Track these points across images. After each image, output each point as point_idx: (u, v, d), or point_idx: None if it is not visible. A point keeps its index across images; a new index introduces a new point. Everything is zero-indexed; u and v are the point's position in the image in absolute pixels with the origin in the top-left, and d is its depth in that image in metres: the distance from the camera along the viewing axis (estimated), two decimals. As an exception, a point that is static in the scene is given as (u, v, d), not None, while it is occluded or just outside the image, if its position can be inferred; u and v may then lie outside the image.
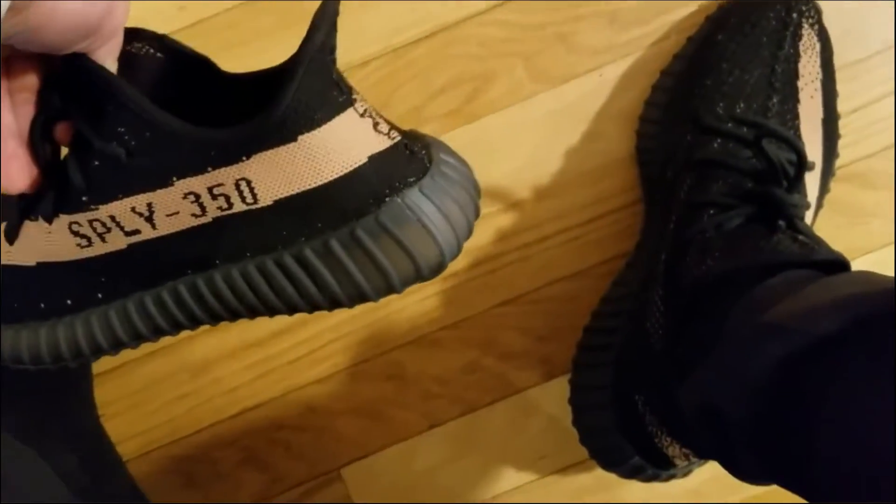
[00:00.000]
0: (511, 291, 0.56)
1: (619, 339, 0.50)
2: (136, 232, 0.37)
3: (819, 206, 0.51)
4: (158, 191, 0.35)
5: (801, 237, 0.42)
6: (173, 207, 0.36)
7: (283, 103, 0.33)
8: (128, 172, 0.35)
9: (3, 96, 0.33)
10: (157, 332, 0.41)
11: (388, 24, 0.54)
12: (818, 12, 0.50)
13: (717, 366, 0.38)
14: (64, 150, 0.36)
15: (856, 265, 0.51)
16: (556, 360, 0.56)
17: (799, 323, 0.34)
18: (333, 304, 0.38)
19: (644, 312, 0.47)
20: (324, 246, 0.37)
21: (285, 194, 0.35)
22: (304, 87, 0.33)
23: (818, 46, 0.51)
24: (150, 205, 0.36)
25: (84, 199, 0.36)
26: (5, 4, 0.26)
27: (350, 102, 0.35)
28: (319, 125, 0.34)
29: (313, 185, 0.35)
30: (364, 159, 0.35)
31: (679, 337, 0.43)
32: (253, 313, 0.39)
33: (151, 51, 0.36)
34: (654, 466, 0.49)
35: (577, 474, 0.58)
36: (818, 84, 0.50)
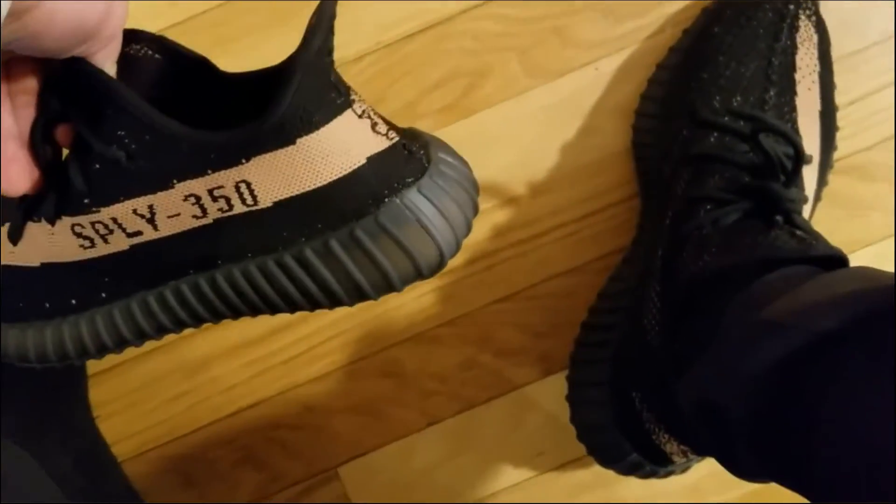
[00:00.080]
0: (508, 288, 0.56)
1: (617, 335, 0.49)
2: (138, 233, 0.37)
3: (817, 198, 0.50)
4: (159, 193, 0.36)
5: (798, 232, 0.42)
6: (174, 209, 0.36)
7: (281, 107, 0.33)
8: (128, 175, 0.35)
9: (4, 99, 0.33)
10: (161, 331, 0.41)
11: (381, 18, 0.54)
12: (815, 3, 0.50)
13: (714, 363, 0.38)
14: (65, 152, 0.36)
15: (855, 258, 0.51)
16: (554, 356, 0.56)
17: (798, 320, 0.33)
18: (334, 302, 0.39)
19: (641, 309, 0.46)
20: (324, 246, 0.37)
21: (285, 196, 0.35)
22: (302, 91, 0.33)
23: (815, 38, 0.50)
24: (151, 207, 0.36)
25: (86, 201, 0.36)
26: (5, 5, 0.26)
27: (348, 104, 0.35)
28: (318, 128, 0.34)
29: (313, 187, 0.35)
30: (363, 160, 0.35)
31: (676, 333, 0.43)
32: (255, 311, 0.40)
33: (150, 52, 0.36)
34: (652, 463, 0.48)
35: (575, 471, 0.58)
36: (815, 76, 0.50)
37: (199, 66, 0.38)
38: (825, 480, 0.31)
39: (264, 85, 0.36)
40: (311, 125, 0.34)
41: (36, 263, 0.40)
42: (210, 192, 0.35)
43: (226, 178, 0.35)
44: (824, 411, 0.31)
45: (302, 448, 0.58)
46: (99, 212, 0.36)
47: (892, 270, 0.52)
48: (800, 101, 0.49)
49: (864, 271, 0.37)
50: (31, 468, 0.47)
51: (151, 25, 0.50)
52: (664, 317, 0.44)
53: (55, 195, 0.36)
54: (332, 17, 0.34)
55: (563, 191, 0.55)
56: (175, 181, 0.35)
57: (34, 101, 0.34)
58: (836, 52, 0.52)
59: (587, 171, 0.55)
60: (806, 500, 0.33)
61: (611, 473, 0.51)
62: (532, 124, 0.54)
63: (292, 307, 0.39)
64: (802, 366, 0.32)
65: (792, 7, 0.49)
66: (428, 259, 0.38)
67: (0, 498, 0.45)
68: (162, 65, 0.37)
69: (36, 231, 0.38)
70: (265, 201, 0.36)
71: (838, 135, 0.52)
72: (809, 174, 0.48)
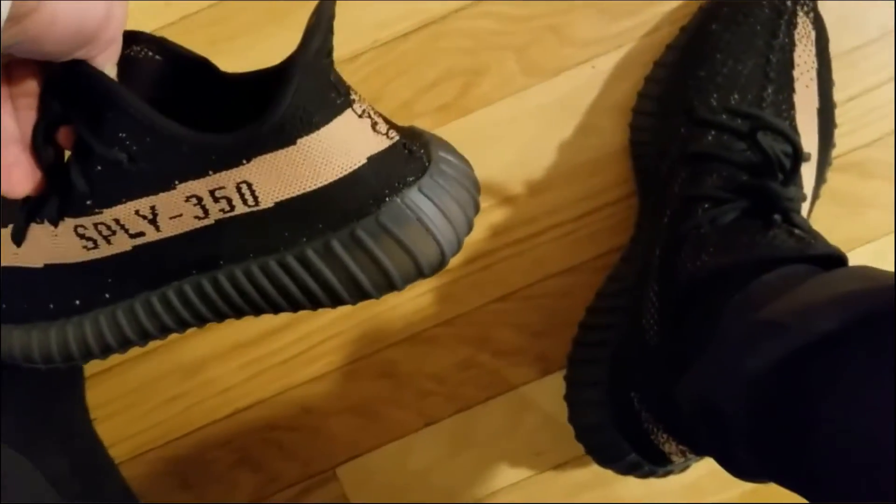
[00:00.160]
0: (505, 287, 0.56)
1: (615, 335, 0.49)
2: (141, 234, 0.38)
3: (816, 196, 0.50)
4: (161, 194, 0.36)
5: (797, 231, 0.41)
6: (176, 210, 0.36)
7: (281, 108, 0.33)
8: (130, 177, 0.35)
9: (5, 102, 0.33)
10: (164, 331, 0.42)
11: (376, 17, 0.54)
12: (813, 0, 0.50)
13: (713, 363, 0.38)
14: (66, 154, 0.37)
15: (854, 255, 0.51)
16: (552, 356, 0.56)
17: (797, 320, 0.33)
18: (336, 301, 0.39)
19: (639, 308, 0.46)
20: (325, 247, 0.37)
21: (286, 196, 0.36)
22: (302, 91, 0.33)
23: (813, 35, 0.50)
24: (153, 208, 0.36)
25: (88, 202, 0.37)
26: (5, 6, 0.26)
27: (348, 104, 0.35)
28: (318, 128, 0.34)
29: (313, 188, 0.35)
30: (363, 160, 0.36)
31: (674, 333, 0.43)
32: (257, 311, 0.40)
33: (150, 53, 0.37)
34: (651, 463, 0.48)
35: (573, 470, 0.58)
36: (814, 73, 0.50)
37: (198, 67, 0.38)
38: (825, 480, 0.31)
39: (264, 85, 0.37)
40: (311, 125, 0.34)
41: (39, 264, 0.40)
42: (211, 192, 0.36)
43: (227, 179, 0.35)
44: (824, 411, 0.31)
45: (299, 449, 0.57)
46: (101, 213, 0.37)
47: (892, 268, 0.52)
48: (798, 99, 0.49)
49: (864, 271, 0.36)
50: (28, 471, 0.47)
51: (146, 26, 0.50)
52: (662, 316, 0.44)
53: (58, 197, 0.37)
54: (331, 17, 0.34)
55: (560, 190, 0.55)
56: (176, 182, 0.35)
57: (35, 103, 0.34)
58: (834, 49, 0.51)
59: (585, 170, 0.54)
60: (804, 500, 0.33)
61: (609, 473, 0.51)
62: (529, 123, 0.54)
63: (294, 306, 0.40)
64: (802, 366, 0.32)
65: (790, 3, 0.49)
66: (429, 258, 0.38)
67: (-3, 501, 0.45)
68: (162, 66, 0.37)
69: (39, 232, 0.39)
70: (266, 202, 0.36)
71: (837, 132, 0.52)
72: (808, 172, 0.48)
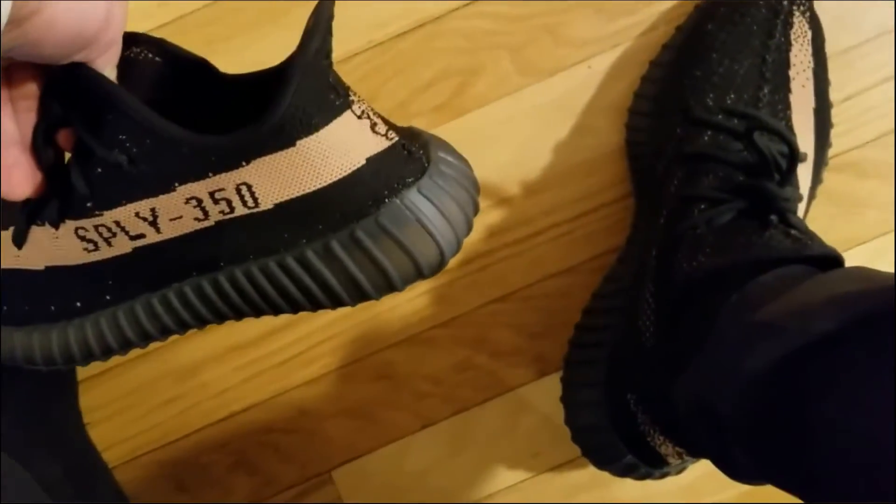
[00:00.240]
0: (502, 288, 0.56)
1: (611, 336, 0.49)
2: (141, 236, 0.38)
3: (812, 196, 0.50)
4: (161, 196, 0.36)
5: (793, 232, 0.41)
6: (176, 212, 0.37)
7: (281, 109, 0.33)
8: (130, 179, 0.36)
9: (5, 104, 0.33)
10: (165, 332, 0.42)
11: (371, 17, 0.54)
12: (809, -1, 0.50)
13: (710, 364, 0.38)
14: (67, 156, 0.37)
15: (850, 255, 0.51)
16: (549, 357, 0.56)
17: (795, 322, 0.33)
18: (336, 302, 0.39)
19: (636, 309, 0.46)
20: (325, 248, 0.37)
21: (285, 198, 0.36)
22: (301, 93, 0.33)
23: (809, 34, 0.50)
24: (153, 210, 0.37)
25: (89, 205, 0.37)
26: (5, 6, 0.26)
27: (347, 105, 0.35)
28: (317, 129, 0.34)
29: (313, 189, 0.36)
30: (362, 161, 0.36)
31: (670, 334, 0.43)
32: (258, 312, 0.41)
33: (150, 55, 0.37)
34: (648, 465, 0.48)
35: (570, 471, 0.58)
36: (810, 73, 0.50)
37: (198, 68, 0.38)
38: (824, 481, 0.31)
39: (263, 86, 0.37)
40: (310, 127, 0.34)
41: (40, 267, 0.40)
42: (211, 194, 0.36)
43: (227, 181, 0.35)
44: (823, 412, 0.31)
45: (295, 452, 0.57)
46: (102, 215, 0.37)
47: (888, 268, 0.52)
48: (794, 99, 0.49)
49: (861, 271, 0.36)
50: (21, 477, 0.47)
51: (140, 26, 0.50)
52: (658, 318, 0.44)
53: (58, 199, 0.37)
54: (330, 18, 0.34)
55: (556, 190, 0.55)
56: (176, 184, 0.36)
57: (35, 105, 0.34)
58: (830, 48, 0.52)
59: (581, 170, 0.54)
60: (801, 502, 0.33)
61: (606, 474, 0.51)
62: (525, 123, 0.54)
63: (294, 307, 0.40)
64: (800, 367, 0.32)
65: (786, 3, 0.49)
66: (429, 259, 0.38)
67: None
68: (161, 67, 0.37)
69: (40, 235, 0.39)
70: (266, 203, 0.36)
71: (833, 132, 0.52)
72: (804, 172, 0.48)
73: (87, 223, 0.37)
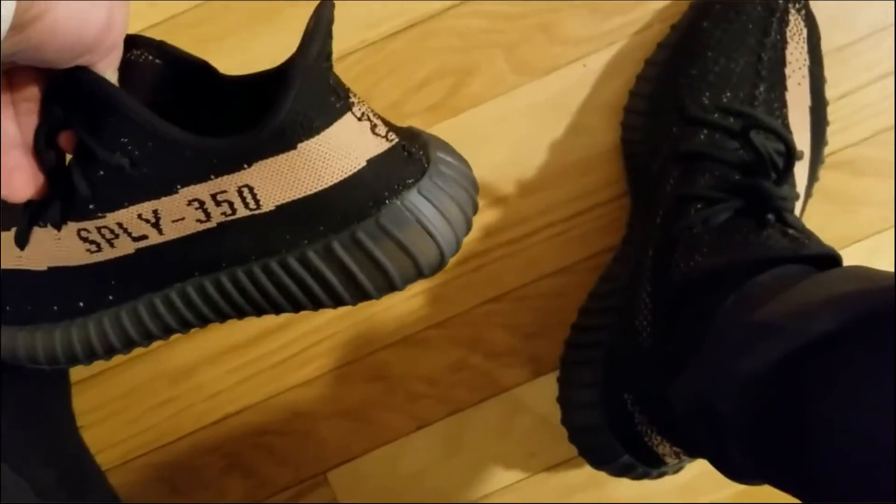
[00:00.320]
0: (497, 289, 0.56)
1: (607, 336, 0.49)
2: (144, 237, 0.38)
3: (808, 195, 0.50)
4: (163, 198, 0.36)
5: (790, 231, 0.41)
6: (178, 214, 0.37)
7: (282, 113, 0.34)
8: (132, 181, 0.36)
9: (6, 107, 0.34)
10: (168, 331, 0.42)
11: (364, 16, 0.53)
12: (805, -3, 0.50)
13: (708, 365, 0.38)
14: (68, 157, 0.37)
15: (847, 253, 0.51)
16: (544, 357, 0.56)
17: (793, 322, 0.33)
18: (337, 302, 0.40)
19: (632, 309, 0.46)
20: (326, 248, 0.38)
21: (287, 200, 0.36)
22: (302, 96, 0.34)
23: (805, 32, 0.50)
24: (155, 212, 0.37)
25: (91, 206, 0.37)
26: (6, 6, 0.26)
27: (348, 107, 0.36)
28: (318, 132, 0.35)
29: (314, 191, 0.36)
30: (363, 163, 0.36)
31: (667, 334, 0.43)
32: (259, 312, 0.41)
33: (150, 57, 0.37)
34: (645, 465, 0.48)
35: (566, 472, 0.58)
36: (806, 71, 0.50)
37: (198, 70, 0.38)
38: (823, 481, 0.31)
39: (263, 87, 0.37)
40: (311, 130, 0.35)
41: (43, 267, 0.41)
42: (213, 196, 0.36)
43: (229, 183, 0.36)
44: (822, 412, 0.31)
45: (290, 454, 0.57)
46: (104, 217, 0.37)
47: (885, 265, 0.52)
48: (790, 97, 0.49)
49: (859, 271, 0.36)
50: (14, 483, 0.47)
51: (131, 26, 0.49)
52: (655, 317, 0.44)
53: (60, 201, 0.37)
54: (331, 21, 0.34)
55: (551, 189, 0.55)
56: (179, 186, 0.36)
57: (37, 108, 0.35)
58: (825, 46, 0.52)
59: (576, 170, 0.54)
60: (797, 501, 0.33)
61: (603, 474, 0.51)
62: (519, 122, 0.54)
63: (296, 306, 0.40)
64: (799, 367, 0.32)
65: (781, 1, 0.49)
66: (429, 259, 0.39)
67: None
68: (161, 69, 0.37)
69: (42, 236, 0.39)
70: (268, 205, 0.36)
71: (828, 129, 0.52)
72: (800, 170, 0.48)
73: (89, 225, 0.38)
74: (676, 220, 0.44)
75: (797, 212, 0.47)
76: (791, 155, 0.42)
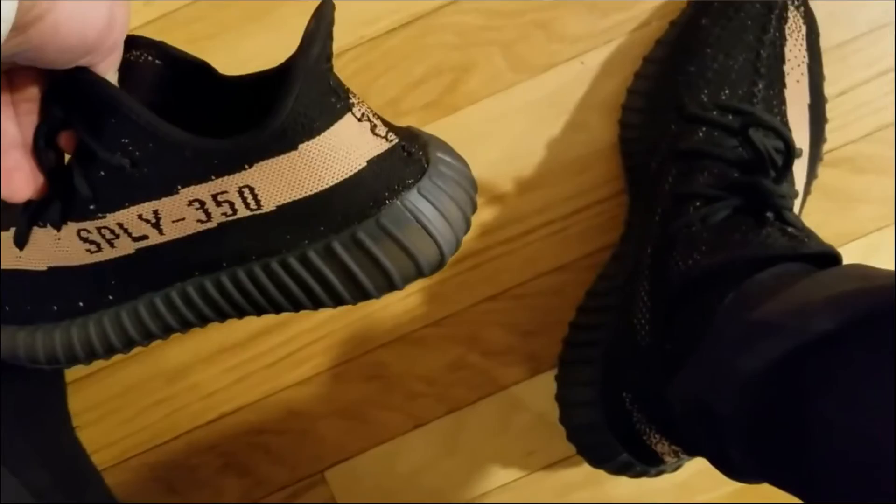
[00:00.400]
0: (495, 287, 0.56)
1: (606, 334, 0.49)
2: (144, 237, 0.38)
3: (807, 192, 0.50)
4: (164, 199, 0.37)
5: (790, 229, 0.41)
6: (179, 214, 0.37)
7: (283, 114, 0.34)
8: (133, 182, 0.36)
9: (6, 107, 0.34)
10: (168, 330, 0.43)
11: (361, 13, 0.53)
12: (803, -7, 0.50)
13: (706, 364, 0.38)
14: (67, 157, 0.37)
15: (845, 251, 0.50)
16: (542, 355, 0.56)
17: (793, 321, 0.33)
18: (337, 301, 0.40)
19: (630, 308, 0.46)
20: (326, 248, 0.38)
21: (288, 200, 0.37)
22: (303, 97, 0.34)
23: (804, 29, 0.50)
24: (156, 212, 0.37)
25: (91, 207, 0.37)
26: (9, 8, 0.26)
27: (348, 108, 0.36)
28: (319, 133, 0.35)
29: (315, 191, 0.36)
30: (363, 164, 0.36)
31: (666, 333, 0.43)
32: (259, 311, 0.41)
33: (150, 58, 0.37)
34: (643, 463, 0.48)
35: (564, 470, 0.58)
36: (804, 68, 0.50)
37: (197, 70, 0.39)
38: (823, 481, 0.31)
39: (263, 88, 0.37)
40: (312, 131, 0.35)
41: (42, 267, 0.41)
42: (214, 196, 0.36)
43: (229, 184, 0.36)
44: (822, 412, 0.31)
45: (286, 453, 0.57)
46: (105, 217, 0.37)
47: (884, 263, 0.52)
48: (789, 94, 0.49)
49: (859, 270, 0.36)
50: (11, 484, 0.46)
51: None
52: (654, 316, 0.44)
53: (60, 201, 0.37)
54: (332, 22, 0.35)
55: (549, 187, 0.55)
56: (179, 187, 0.36)
57: (37, 108, 0.35)
58: (825, 43, 0.52)
59: (574, 167, 0.54)
60: (797, 500, 0.33)
61: (601, 472, 0.51)
62: (517, 120, 0.54)
63: (296, 306, 0.41)
64: (799, 366, 0.32)
65: (780, -2, 0.49)
66: (429, 258, 0.39)
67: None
68: (161, 70, 0.38)
69: (42, 236, 0.39)
70: (268, 205, 0.37)
71: (828, 127, 0.52)
72: (799, 167, 0.48)
73: (89, 225, 0.38)
74: (675, 219, 0.44)
75: (796, 209, 0.46)
76: (790, 152, 0.42)
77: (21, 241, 0.40)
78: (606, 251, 0.53)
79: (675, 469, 0.50)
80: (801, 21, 0.49)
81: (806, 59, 0.50)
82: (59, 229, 0.39)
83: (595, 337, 0.50)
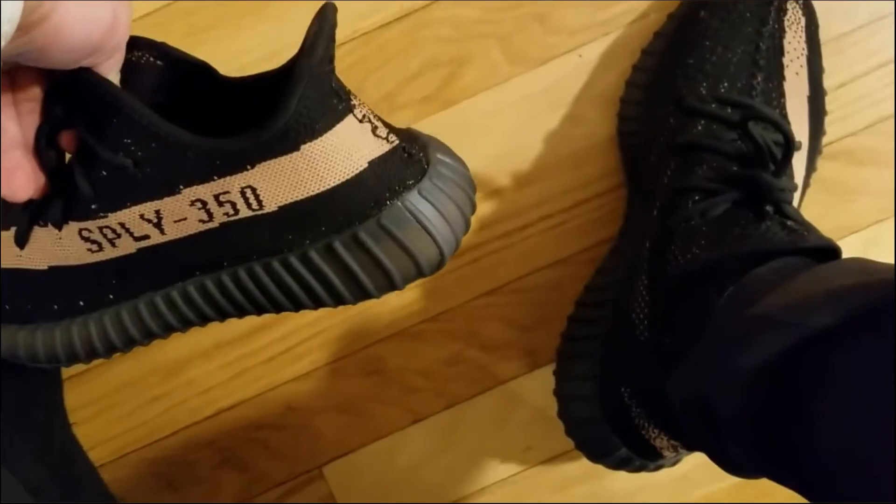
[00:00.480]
0: (493, 281, 0.56)
1: (604, 328, 0.49)
2: (146, 237, 0.39)
3: (806, 184, 0.50)
4: (166, 199, 0.37)
5: (789, 223, 0.41)
6: (181, 214, 0.37)
7: (285, 115, 0.34)
8: (135, 181, 0.36)
9: (8, 107, 0.34)
10: (168, 330, 0.43)
11: (357, 6, 0.53)
12: (802, -15, 0.49)
13: (706, 358, 0.38)
14: (69, 157, 0.37)
15: (844, 244, 0.50)
16: (541, 349, 0.56)
17: (792, 316, 0.33)
18: (338, 301, 0.41)
19: (629, 302, 0.46)
20: (327, 248, 0.39)
21: (289, 200, 0.37)
22: (305, 99, 0.34)
23: (803, 21, 0.50)
24: (158, 212, 0.37)
25: (93, 206, 0.38)
26: (13, 8, 0.26)
27: (349, 109, 0.36)
28: (321, 134, 0.35)
29: (316, 192, 0.37)
30: (364, 165, 0.37)
31: (665, 327, 0.43)
32: (260, 310, 0.42)
33: (151, 59, 0.38)
34: (642, 458, 0.48)
35: (563, 464, 0.58)
36: (804, 60, 0.49)
37: (198, 71, 0.39)
38: (822, 477, 0.31)
39: (263, 89, 0.38)
40: (314, 132, 0.35)
41: (43, 267, 0.41)
42: (216, 197, 0.36)
43: (231, 184, 0.36)
44: (821, 408, 0.31)
45: (284, 448, 0.57)
46: (106, 217, 0.38)
47: (883, 255, 0.52)
48: (788, 86, 0.49)
49: (859, 264, 0.36)
50: (8, 481, 0.46)
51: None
52: (652, 310, 0.44)
53: (61, 201, 0.38)
54: (334, 24, 0.35)
55: (547, 181, 0.54)
56: (181, 187, 0.36)
57: (38, 108, 0.35)
58: (824, 35, 0.52)
59: (572, 161, 0.54)
60: (796, 495, 0.33)
61: (600, 467, 0.51)
62: (514, 113, 0.54)
63: (297, 305, 0.41)
64: (798, 362, 0.33)
65: (779, -10, 0.48)
66: (429, 258, 0.40)
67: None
68: (162, 70, 0.38)
69: (42, 235, 0.40)
70: (270, 206, 0.37)
71: (827, 119, 0.51)
72: (798, 160, 0.48)
73: (91, 225, 0.38)
74: (674, 212, 0.44)
75: (795, 202, 0.46)
76: (790, 146, 0.42)
77: (22, 241, 0.40)
78: (605, 245, 0.53)
79: (674, 463, 0.50)
80: (801, 13, 0.49)
81: (805, 52, 0.49)
82: (60, 229, 0.39)
83: (594, 331, 0.50)
